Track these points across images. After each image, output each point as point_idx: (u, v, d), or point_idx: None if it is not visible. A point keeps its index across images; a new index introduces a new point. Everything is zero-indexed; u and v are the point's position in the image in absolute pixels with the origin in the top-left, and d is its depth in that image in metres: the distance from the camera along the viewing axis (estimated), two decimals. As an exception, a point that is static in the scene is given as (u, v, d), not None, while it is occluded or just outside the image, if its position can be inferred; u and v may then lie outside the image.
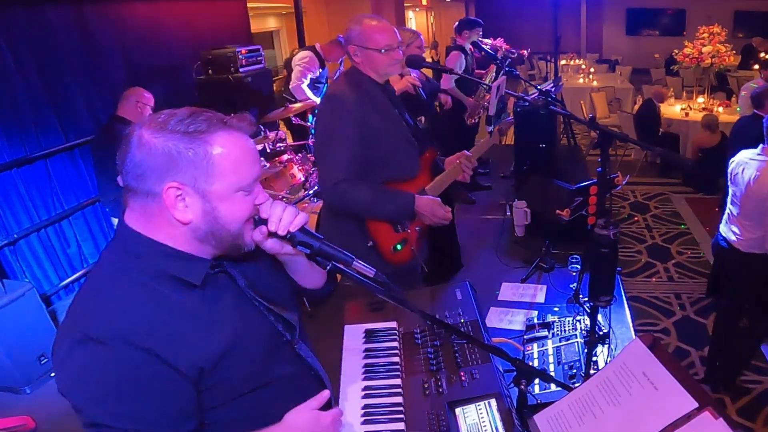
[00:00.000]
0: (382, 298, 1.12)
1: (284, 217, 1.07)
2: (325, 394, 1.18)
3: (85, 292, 1.03)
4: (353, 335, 1.64)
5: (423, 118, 2.38)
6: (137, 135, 0.97)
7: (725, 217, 2.86)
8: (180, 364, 0.97)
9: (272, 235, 1.08)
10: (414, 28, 17.01)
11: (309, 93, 5.13)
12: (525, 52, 6.13)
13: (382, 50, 2.06)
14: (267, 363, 1.13)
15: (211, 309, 1.05)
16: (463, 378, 1.38)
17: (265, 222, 1.07)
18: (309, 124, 4.84)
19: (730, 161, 2.84)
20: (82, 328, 0.94)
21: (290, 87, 5.15)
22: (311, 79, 5.18)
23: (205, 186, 0.98)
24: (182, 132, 0.97)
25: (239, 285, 1.11)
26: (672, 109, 7.33)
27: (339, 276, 1.16)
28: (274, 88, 5.98)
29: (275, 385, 1.15)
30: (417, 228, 2.22)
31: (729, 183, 2.85)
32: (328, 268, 1.09)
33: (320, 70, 5.25)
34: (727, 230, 2.82)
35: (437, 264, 3.56)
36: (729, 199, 2.84)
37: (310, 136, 4.82)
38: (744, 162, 2.70)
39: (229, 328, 1.05)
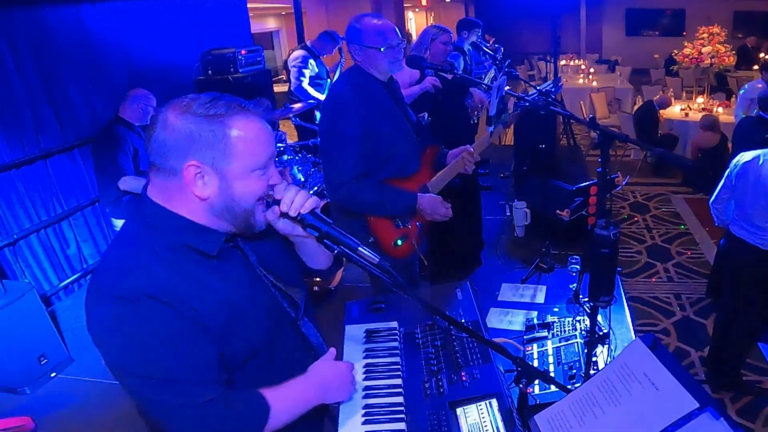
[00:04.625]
0: (385, 284, 1.15)
1: (296, 200, 1.14)
2: (332, 350, 1.31)
3: (108, 257, 1.12)
4: (354, 335, 1.64)
5: (426, 114, 2.40)
6: (163, 116, 1.05)
7: (734, 217, 2.86)
8: (198, 319, 1.04)
9: (284, 215, 1.15)
10: (414, 28, 17.00)
11: (312, 91, 5.14)
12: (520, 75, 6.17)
13: (382, 48, 2.08)
14: (271, 336, 1.19)
15: (220, 279, 1.11)
16: (464, 378, 1.38)
17: (278, 203, 1.14)
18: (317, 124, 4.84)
19: (735, 160, 2.82)
20: (110, 290, 1.02)
21: (292, 89, 5.17)
22: (310, 77, 5.19)
23: (223, 165, 1.05)
24: (204, 115, 1.04)
25: (251, 260, 1.18)
26: (672, 110, 7.33)
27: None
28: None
29: (276, 360, 1.21)
30: (418, 223, 2.26)
31: (731, 183, 2.83)
32: (335, 252, 1.14)
33: (314, 62, 5.26)
34: (738, 229, 2.83)
35: (454, 257, 3.60)
36: (735, 199, 2.84)
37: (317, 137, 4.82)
38: (754, 160, 2.70)
39: (235, 299, 1.11)
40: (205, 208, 1.08)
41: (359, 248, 1.13)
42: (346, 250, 1.13)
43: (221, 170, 1.05)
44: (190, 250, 1.08)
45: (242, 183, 1.08)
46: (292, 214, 1.14)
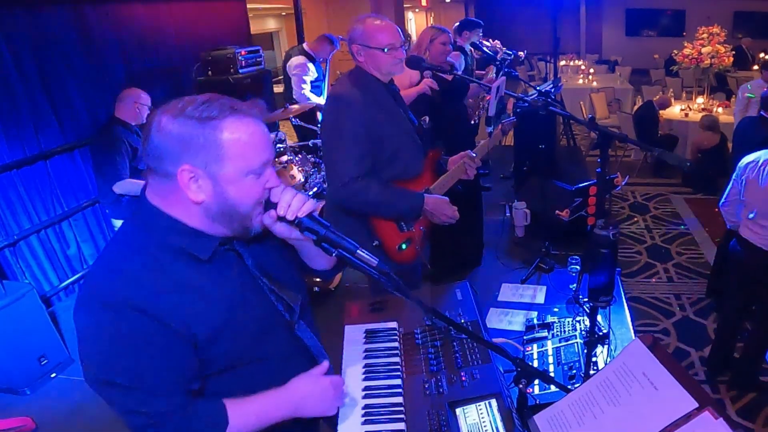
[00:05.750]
0: (384, 287, 1.14)
1: (293, 203, 1.13)
2: (325, 364, 1.28)
3: (102, 260, 1.12)
4: (353, 335, 1.64)
5: (427, 118, 2.39)
6: (157, 120, 1.04)
7: (743, 219, 2.87)
8: (182, 329, 1.05)
9: (281, 219, 1.14)
10: (413, 29, 17.00)
11: (314, 97, 5.17)
12: (522, 53, 6.14)
13: (385, 49, 2.07)
14: (261, 340, 1.18)
15: (214, 283, 1.11)
16: (463, 378, 1.38)
17: (275, 206, 1.13)
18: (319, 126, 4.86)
19: (743, 161, 2.83)
20: (96, 295, 1.04)
21: (294, 97, 5.19)
22: (311, 82, 5.21)
23: (216, 169, 1.05)
24: (196, 118, 1.03)
25: (247, 264, 1.17)
26: (671, 110, 7.32)
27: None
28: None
29: (268, 362, 1.21)
30: (422, 227, 2.25)
31: (740, 185, 2.84)
32: (333, 255, 1.13)
33: (313, 66, 5.27)
34: (747, 232, 2.83)
35: (455, 257, 3.61)
36: (742, 201, 2.84)
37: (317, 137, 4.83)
38: (755, 161, 2.73)
39: (227, 303, 1.12)
40: (201, 212, 1.08)
41: (357, 251, 1.11)
42: (345, 253, 1.12)
43: (214, 174, 1.05)
44: (183, 252, 1.09)
45: (236, 187, 1.07)
46: (290, 217, 1.12)
